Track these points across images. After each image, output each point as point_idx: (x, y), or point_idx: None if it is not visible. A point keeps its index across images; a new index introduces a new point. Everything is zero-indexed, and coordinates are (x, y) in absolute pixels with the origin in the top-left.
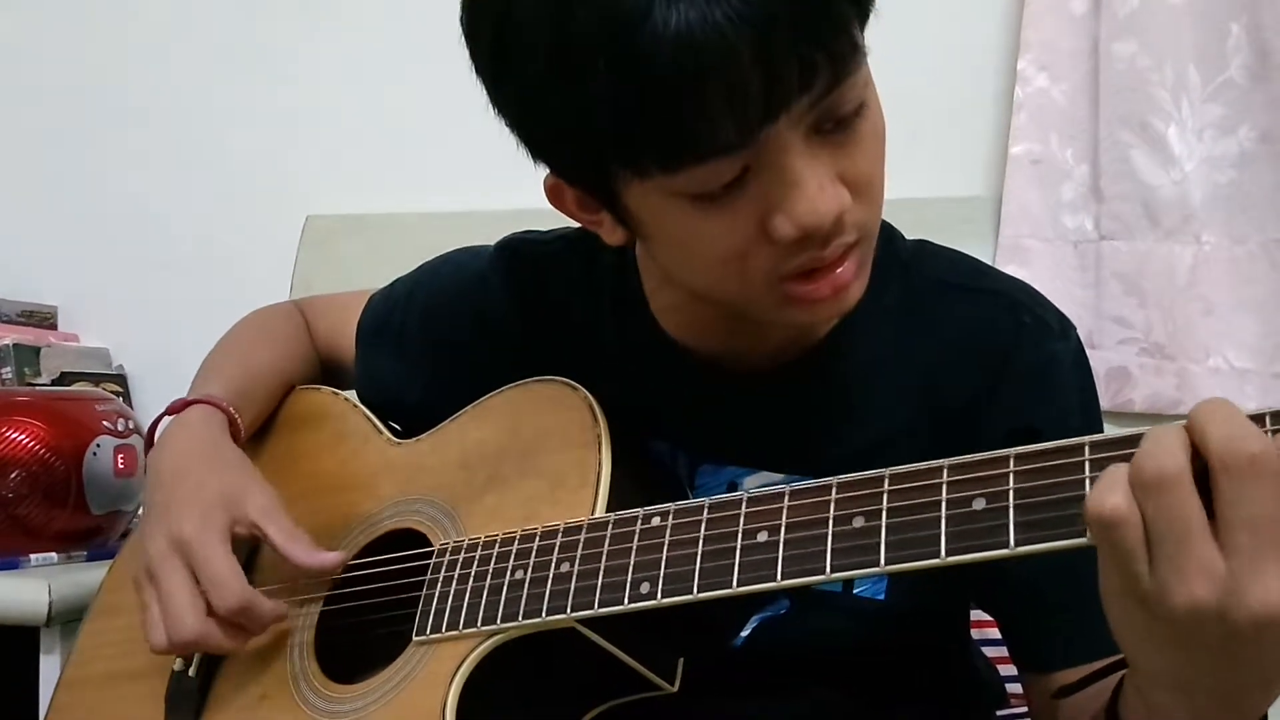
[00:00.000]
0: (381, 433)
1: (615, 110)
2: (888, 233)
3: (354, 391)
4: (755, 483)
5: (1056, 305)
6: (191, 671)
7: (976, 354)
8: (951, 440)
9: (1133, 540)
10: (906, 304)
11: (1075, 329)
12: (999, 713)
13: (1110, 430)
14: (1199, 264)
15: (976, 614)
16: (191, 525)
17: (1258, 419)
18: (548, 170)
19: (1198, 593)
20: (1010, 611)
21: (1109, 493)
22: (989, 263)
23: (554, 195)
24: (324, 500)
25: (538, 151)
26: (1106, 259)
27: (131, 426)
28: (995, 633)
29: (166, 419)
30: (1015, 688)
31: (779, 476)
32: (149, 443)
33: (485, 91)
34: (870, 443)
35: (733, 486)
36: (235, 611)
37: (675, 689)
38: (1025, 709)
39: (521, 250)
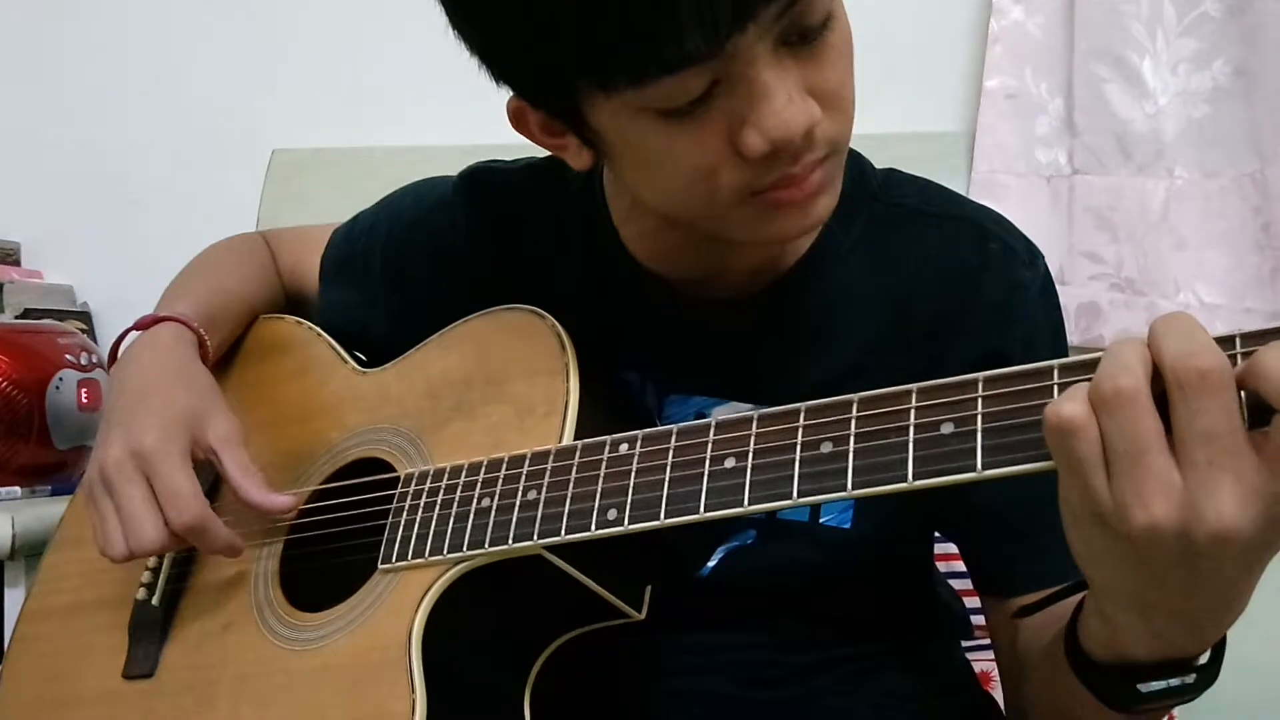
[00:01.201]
0: (346, 361)
1: (581, 20)
2: (857, 163)
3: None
4: (723, 413)
5: (1046, 252)
6: (155, 601)
7: (944, 281)
8: (920, 368)
9: (1088, 452)
10: (875, 233)
11: (1043, 257)
12: (964, 643)
13: None
14: (1171, 198)
15: (942, 547)
16: (152, 438)
17: (1226, 340)
18: (510, 94)
19: (1155, 510)
20: (973, 538)
21: (1066, 402)
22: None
23: (517, 120)
24: (288, 429)
25: (500, 72)
26: (1079, 193)
27: (95, 360)
28: (960, 565)
29: (133, 334)
30: (980, 619)
31: (747, 407)
32: (113, 357)
33: (444, 11)
34: (839, 372)
35: (700, 417)
36: (189, 528)
37: (643, 616)
38: (989, 639)
39: (485, 179)
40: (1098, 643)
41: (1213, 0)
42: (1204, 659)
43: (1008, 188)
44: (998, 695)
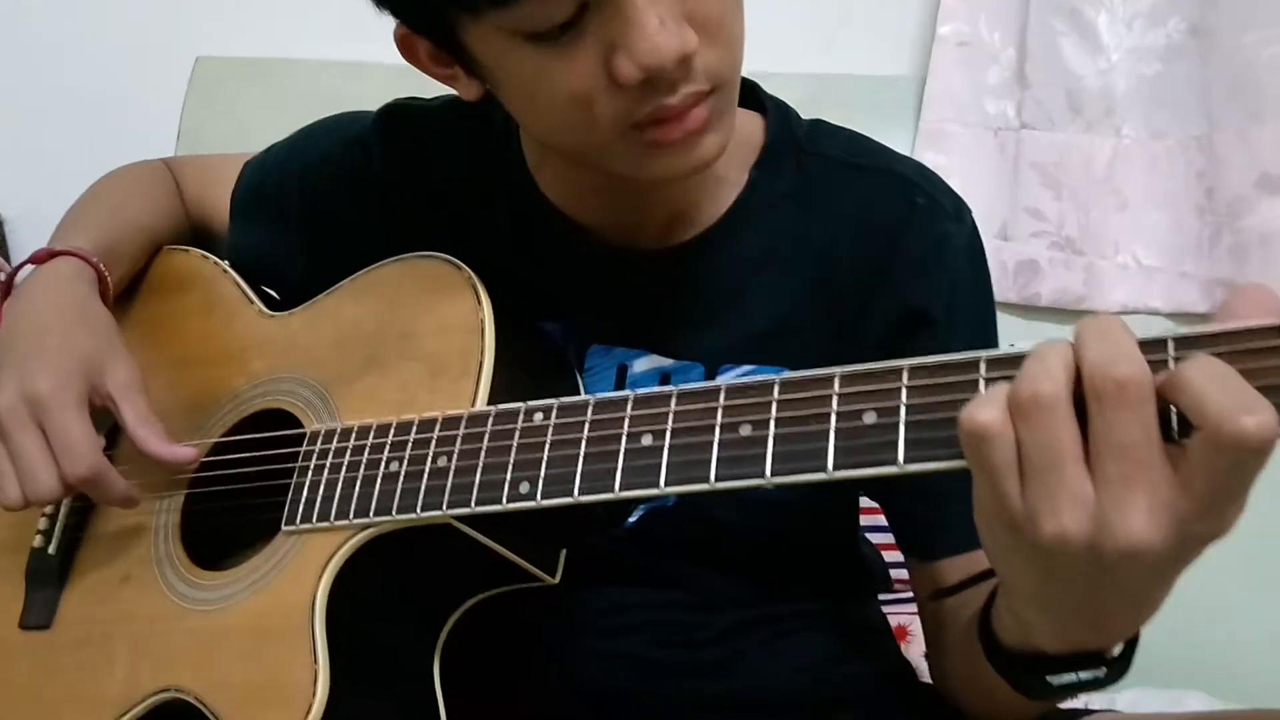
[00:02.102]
0: (253, 303)
1: None
2: (783, 112)
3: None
4: (644, 365)
5: (955, 189)
6: (51, 549)
7: (867, 234)
8: (843, 322)
9: (1001, 459)
10: (801, 186)
11: (970, 212)
12: (882, 596)
13: (1012, 322)
14: (1116, 157)
15: (863, 501)
16: (47, 384)
17: (1157, 344)
18: (395, 21)
19: (1066, 522)
20: (896, 500)
21: (983, 407)
22: (909, 147)
23: (406, 49)
24: (191, 372)
25: None
26: (1026, 148)
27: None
28: (881, 519)
29: (28, 267)
30: (900, 573)
31: (669, 361)
32: (6, 290)
33: None
34: (762, 328)
35: (622, 369)
36: (84, 480)
37: (556, 581)
38: (909, 593)
39: (404, 116)
40: (1009, 633)
41: None
42: (1116, 651)
43: (954, 138)
44: (911, 652)
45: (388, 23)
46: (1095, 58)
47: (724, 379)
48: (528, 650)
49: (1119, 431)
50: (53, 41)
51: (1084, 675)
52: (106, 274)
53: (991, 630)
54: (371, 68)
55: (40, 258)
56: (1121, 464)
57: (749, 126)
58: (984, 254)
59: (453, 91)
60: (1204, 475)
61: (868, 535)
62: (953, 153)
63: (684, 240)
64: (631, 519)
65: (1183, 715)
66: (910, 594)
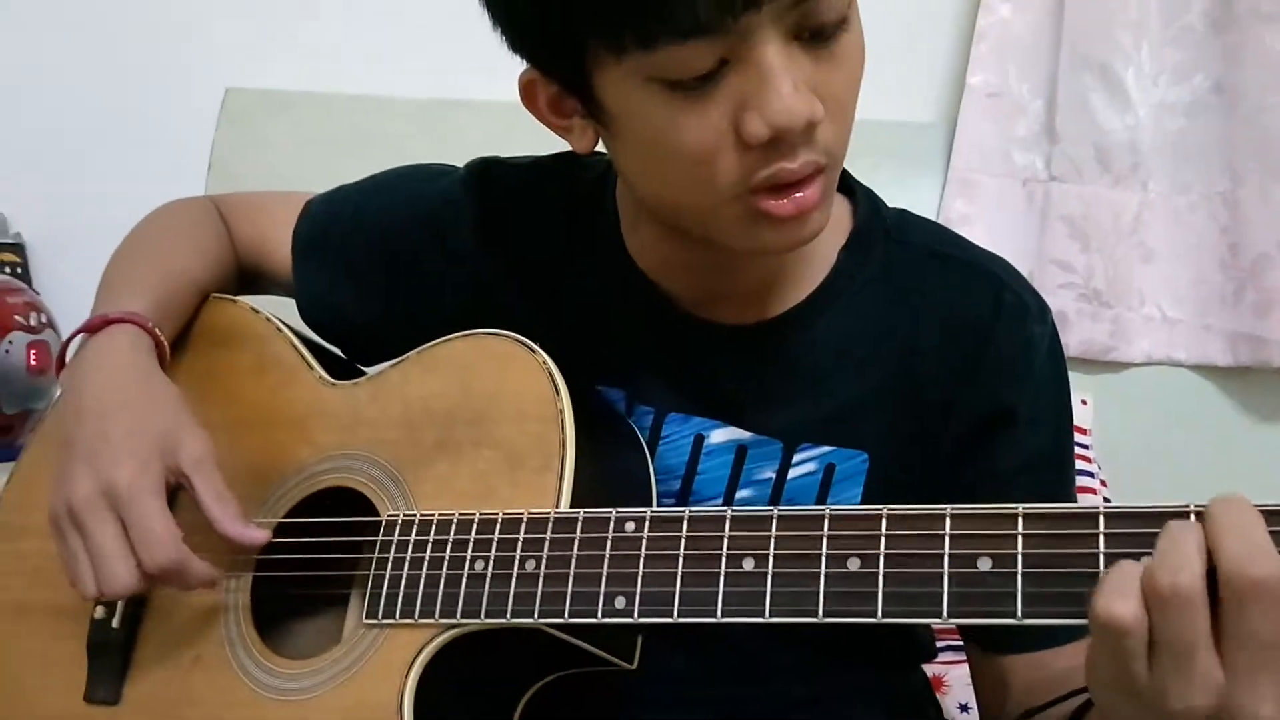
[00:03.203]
0: (312, 368)
1: None
2: (871, 200)
3: (274, 303)
4: (721, 436)
5: (983, 239)
6: (115, 623)
7: (955, 329)
8: (924, 415)
9: (1136, 647)
10: (888, 272)
11: (1050, 311)
12: (925, 666)
13: None
14: (1143, 211)
15: None
16: (125, 475)
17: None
18: (525, 64)
19: (1195, 701)
20: None
21: (1119, 599)
22: (938, 194)
23: (527, 96)
24: (250, 436)
25: (516, 36)
26: (1055, 200)
27: (45, 320)
28: None
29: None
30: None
31: (747, 435)
32: (60, 361)
33: None
34: (842, 411)
35: (699, 439)
36: (165, 570)
37: (634, 667)
38: (950, 644)
39: (494, 175)
40: None
41: (1197, 13)
42: None
43: (983, 187)
44: (947, 704)
45: (416, 58)
46: (1123, 113)
47: (801, 456)
48: (586, 716)
49: (1253, 624)
50: (81, 68)
51: None
52: (163, 339)
53: None
54: (400, 103)
55: (95, 326)
56: (1253, 655)
57: (838, 210)
58: (1063, 354)
59: (536, 139)
60: (1231, 630)
61: None
62: (981, 202)
63: (768, 318)
64: None
65: None
66: (944, 644)
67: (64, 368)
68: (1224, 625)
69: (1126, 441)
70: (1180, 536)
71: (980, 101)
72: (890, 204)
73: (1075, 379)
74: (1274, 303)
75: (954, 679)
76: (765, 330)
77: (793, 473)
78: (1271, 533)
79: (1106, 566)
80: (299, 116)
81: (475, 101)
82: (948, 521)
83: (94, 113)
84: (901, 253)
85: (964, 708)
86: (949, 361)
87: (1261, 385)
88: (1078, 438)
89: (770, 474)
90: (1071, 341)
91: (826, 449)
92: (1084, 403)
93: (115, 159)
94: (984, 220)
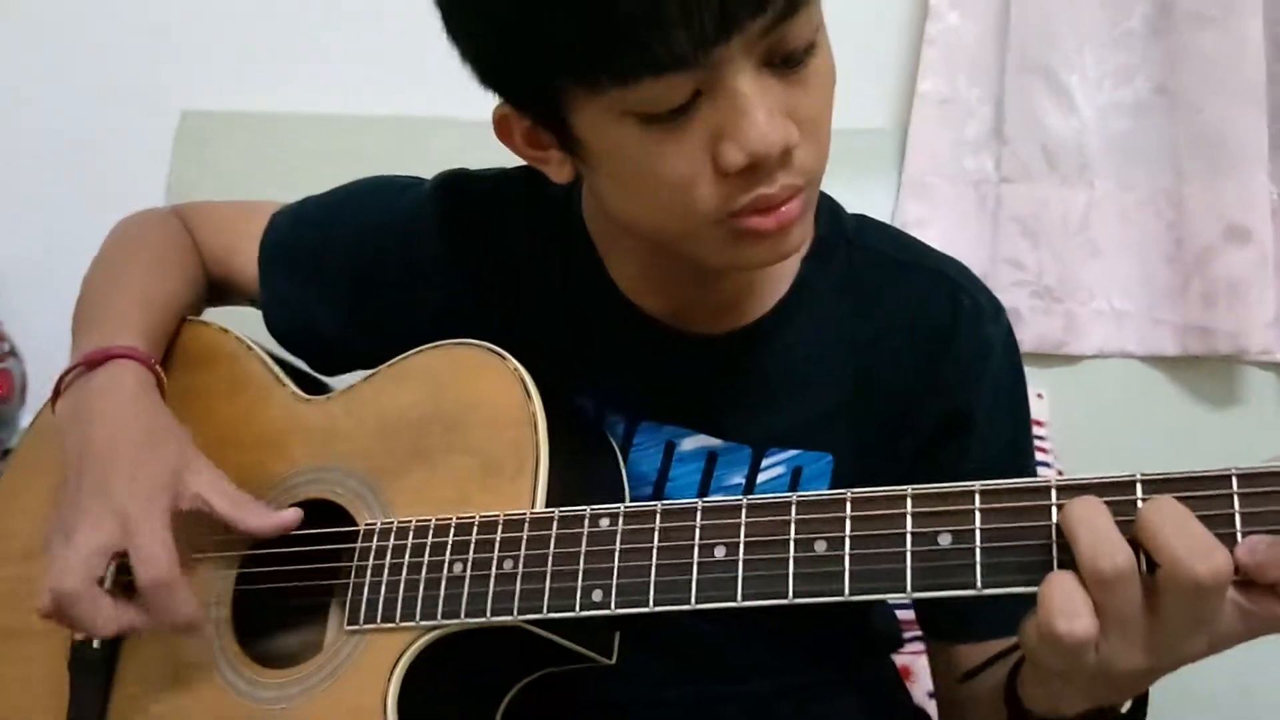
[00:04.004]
0: (285, 385)
1: (570, 17)
2: (831, 207)
3: (244, 320)
4: (692, 444)
5: (969, 259)
6: (96, 644)
7: (915, 335)
8: (887, 417)
9: (1090, 645)
10: (850, 279)
11: (1004, 310)
12: (893, 655)
13: None
14: (1090, 209)
15: None
16: (135, 506)
17: (1126, 486)
18: (498, 100)
19: (1140, 661)
20: None
21: (1076, 617)
22: (892, 198)
23: (501, 130)
24: (228, 455)
25: (487, 72)
26: (1005, 201)
27: (8, 349)
28: None
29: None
30: (905, 614)
31: (717, 442)
32: (57, 392)
33: (439, 13)
34: (810, 415)
35: (670, 447)
36: (155, 583)
37: (613, 662)
38: (916, 634)
39: (461, 187)
40: (1038, 703)
41: (1138, 17)
42: (1127, 707)
43: (936, 190)
44: (915, 691)
45: (375, 75)
46: (1069, 116)
47: (769, 460)
48: (565, 716)
49: (1197, 608)
50: (35, 93)
51: None
52: (162, 373)
53: (1020, 701)
54: (359, 120)
55: (96, 360)
56: (1195, 621)
57: None
58: (1018, 349)
59: (502, 154)
60: (1169, 607)
61: None
62: (934, 205)
63: (738, 327)
64: None
65: None
66: (910, 635)
67: (59, 398)
68: (1164, 603)
69: (1082, 432)
70: (1097, 523)
71: (931, 107)
72: (848, 209)
73: (1031, 373)
74: (1219, 293)
75: (921, 668)
76: (734, 340)
77: (761, 476)
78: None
79: (1059, 538)
80: (256, 137)
81: (437, 118)
82: (909, 501)
83: (49, 140)
84: (862, 259)
85: (932, 695)
86: (910, 365)
87: (1210, 373)
88: (1035, 430)
89: (740, 479)
90: (1026, 337)
91: (793, 452)
92: (1040, 396)
93: (73, 186)
94: (938, 222)
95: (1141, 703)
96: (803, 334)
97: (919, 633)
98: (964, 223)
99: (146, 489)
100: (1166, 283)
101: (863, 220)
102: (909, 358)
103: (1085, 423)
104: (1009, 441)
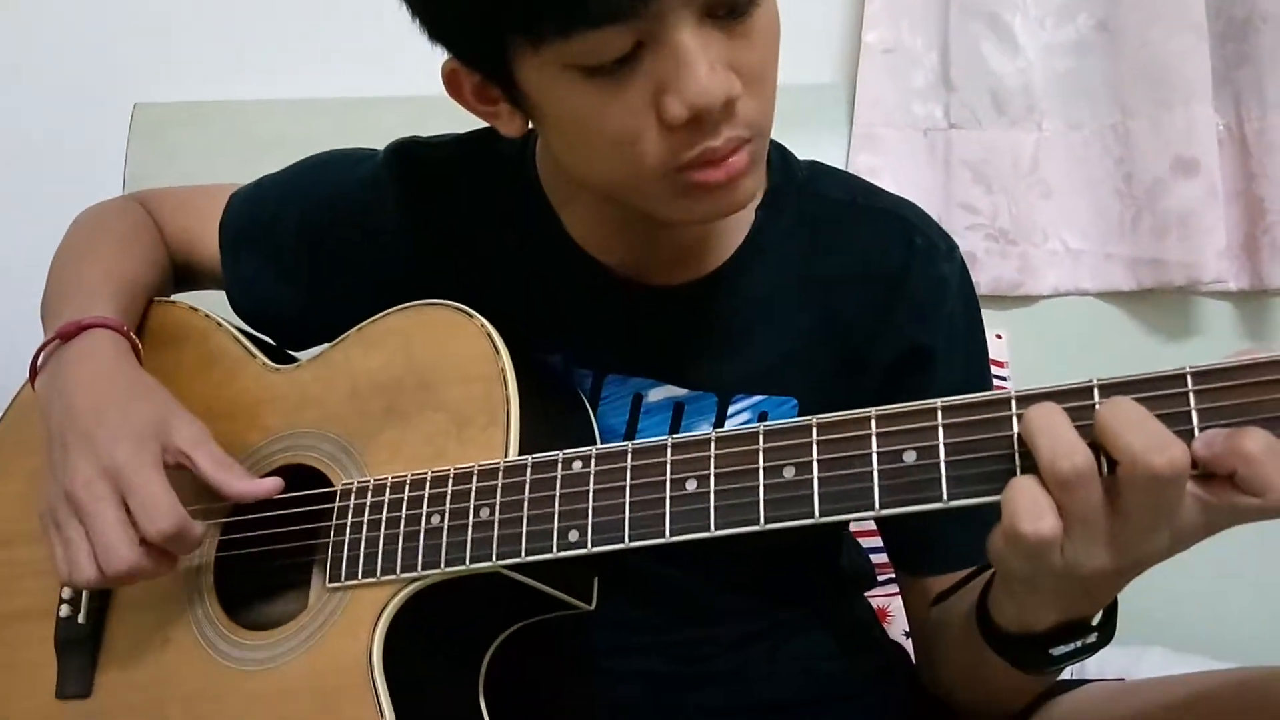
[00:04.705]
0: (255, 356)
1: None
2: (783, 155)
3: (212, 300)
4: (659, 394)
5: (924, 205)
6: (81, 618)
7: (871, 276)
8: (847, 359)
9: (1055, 545)
10: (804, 224)
11: (958, 248)
12: (868, 593)
13: None
14: (1040, 150)
15: None
16: (124, 453)
17: (1083, 391)
18: (446, 55)
19: (1104, 560)
20: (892, 519)
21: (1039, 518)
22: (844, 150)
23: (451, 85)
24: None
25: (434, 27)
26: (955, 147)
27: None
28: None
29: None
30: (879, 557)
31: (682, 391)
32: (34, 369)
33: None
34: (772, 360)
35: (638, 398)
36: (168, 535)
37: (593, 607)
38: (891, 576)
39: (414, 154)
40: (1009, 618)
41: None
42: (1097, 619)
43: (886, 141)
44: (893, 630)
45: (326, 59)
46: (1014, 58)
47: (735, 407)
48: (551, 673)
49: (1155, 500)
50: None
51: (1078, 643)
52: (138, 342)
53: (991, 620)
54: (313, 104)
55: (69, 332)
56: (1154, 515)
57: None
58: (972, 286)
59: (456, 131)
60: (1129, 504)
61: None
62: (886, 155)
63: (697, 277)
64: None
65: (1174, 678)
66: (885, 577)
67: (37, 375)
68: (1125, 500)
69: (1042, 370)
70: (1056, 428)
71: (877, 58)
72: None
73: (989, 315)
74: (1170, 226)
75: (898, 609)
76: (694, 290)
77: (728, 424)
78: (1159, 416)
79: (1021, 447)
80: (211, 126)
81: (389, 97)
82: (873, 422)
83: (4, 137)
84: (815, 205)
85: (908, 634)
86: (867, 306)
87: (1164, 305)
88: (995, 371)
89: (707, 428)
90: (982, 280)
91: (758, 398)
92: (999, 337)
93: (28, 184)
94: (890, 171)
95: (1110, 615)
96: (761, 281)
97: (894, 575)
98: (916, 171)
99: (135, 441)
100: (1118, 218)
101: (815, 166)
102: (866, 298)
103: (1044, 362)
104: (968, 375)
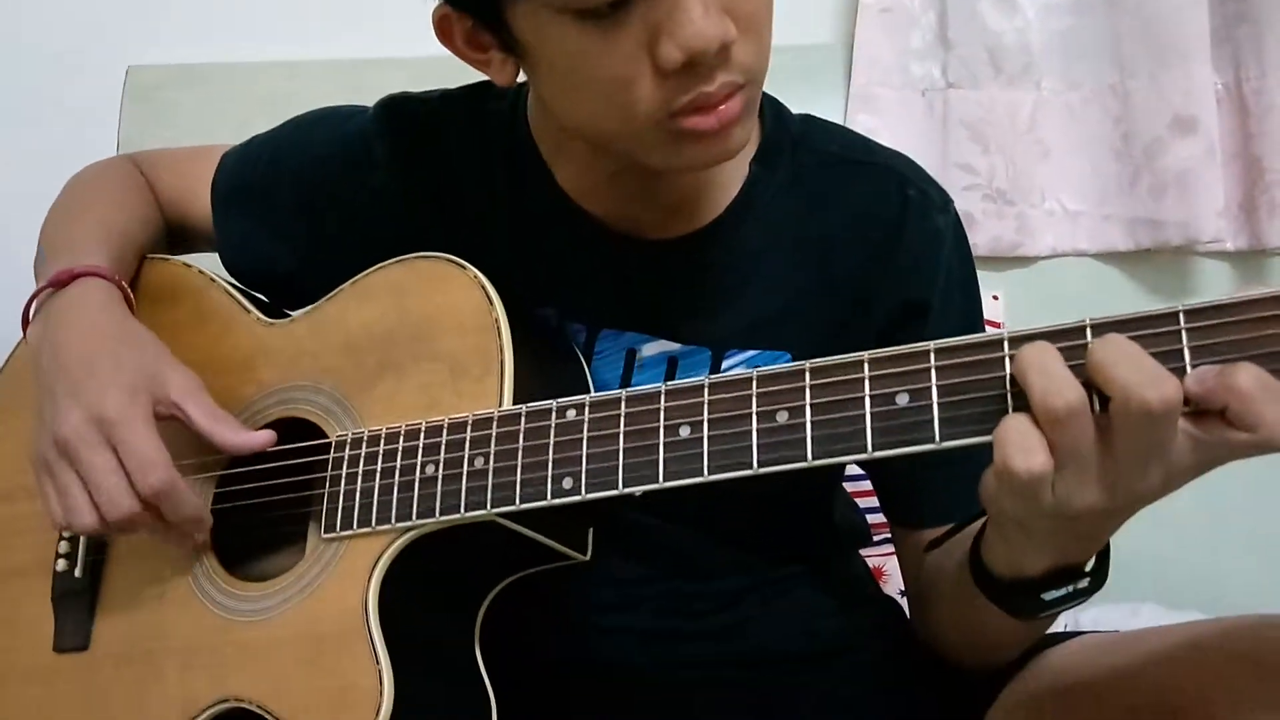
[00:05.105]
0: (249, 311)
1: None
2: (776, 109)
3: (207, 259)
4: (652, 349)
5: (921, 165)
6: (78, 572)
7: (866, 229)
8: (842, 312)
9: (1046, 481)
10: (798, 178)
11: (953, 201)
12: (863, 551)
13: None
14: (1037, 109)
15: None
16: (115, 405)
17: (1076, 331)
18: (437, 2)
19: (1096, 498)
20: (887, 470)
21: (1031, 453)
22: (841, 110)
23: (441, 31)
24: None
25: None
26: (953, 106)
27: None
28: (857, 471)
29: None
30: (875, 516)
31: (676, 346)
32: (26, 318)
33: None
34: (766, 315)
35: (631, 354)
36: (158, 492)
37: (588, 558)
38: (880, 536)
39: (406, 109)
40: (1002, 563)
41: None
42: (1090, 565)
43: (884, 101)
44: (889, 589)
45: (320, 19)
46: (1011, 16)
47: (729, 362)
48: (545, 630)
49: (1148, 436)
50: None
51: (1071, 588)
52: (130, 292)
53: (984, 565)
54: (306, 65)
55: (61, 280)
56: (1146, 453)
57: None
58: (966, 238)
59: (447, 86)
60: (1122, 440)
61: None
62: (884, 115)
63: (690, 231)
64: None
65: (1165, 628)
66: (881, 537)
67: (29, 324)
68: (1117, 437)
69: None
70: (1048, 365)
71: (874, 18)
72: None
73: (986, 276)
74: (1169, 185)
75: (892, 569)
76: (687, 243)
77: None
78: (1152, 354)
79: (1013, 387)
80: (205, 89)
81: (385, 59)
82: (866, 366)
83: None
84: (809, 159)
85: (903, 593)
86: (861, 260)
87: (1162, 266)
88: (992, 332)
89: None
90: (980, 241)
91: (752, 353)
92: (995, 299)
93: (22, 149)
94: (888, 132)
95: (1103, 561)
96: (754, 235)
97: (889, 535)
98: (913, 131)
99: (125, 391)
100: (1116, 178)
101: (808, 120)
102: (860, 252)
103: (1041, 323)
104: (963, 328)
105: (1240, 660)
